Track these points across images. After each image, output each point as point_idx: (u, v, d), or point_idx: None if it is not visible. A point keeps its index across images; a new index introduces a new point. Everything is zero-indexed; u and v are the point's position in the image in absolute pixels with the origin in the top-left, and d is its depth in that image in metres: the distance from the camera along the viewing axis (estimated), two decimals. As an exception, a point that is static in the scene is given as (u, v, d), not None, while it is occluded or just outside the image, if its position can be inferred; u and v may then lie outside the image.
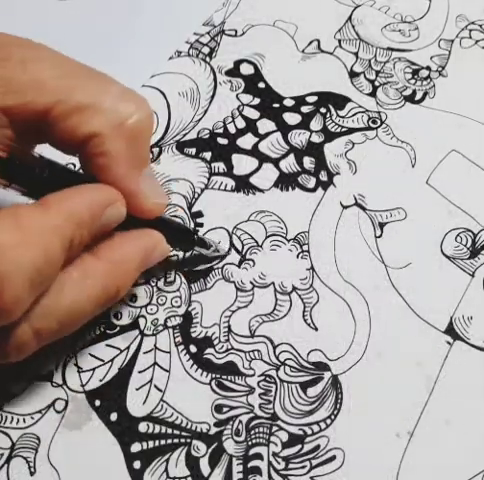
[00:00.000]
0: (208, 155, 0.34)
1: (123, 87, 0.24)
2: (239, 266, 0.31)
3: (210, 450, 0.27)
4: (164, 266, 0.30)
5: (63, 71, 0.23)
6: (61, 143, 0.24)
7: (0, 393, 0.28)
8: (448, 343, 0.30)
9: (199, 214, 0.32)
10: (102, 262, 0.24)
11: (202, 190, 0.33)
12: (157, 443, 0.27)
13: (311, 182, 0.33)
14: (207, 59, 0.37)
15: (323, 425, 0.28)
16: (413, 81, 0.37)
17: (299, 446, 0.28)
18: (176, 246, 0.30)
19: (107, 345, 0.29)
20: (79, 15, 0.39)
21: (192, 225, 0.32)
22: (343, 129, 0.35)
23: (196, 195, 0.33)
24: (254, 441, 0.28)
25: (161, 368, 0.29)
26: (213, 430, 0.28)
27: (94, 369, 0.28)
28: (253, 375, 0.29)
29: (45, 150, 0.25)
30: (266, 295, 0.30)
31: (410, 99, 0.36)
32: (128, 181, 0.24)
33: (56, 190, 0.23)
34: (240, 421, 0.28)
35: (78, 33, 0.38)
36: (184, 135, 0.35)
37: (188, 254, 0.31)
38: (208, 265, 0.31)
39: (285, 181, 0.33)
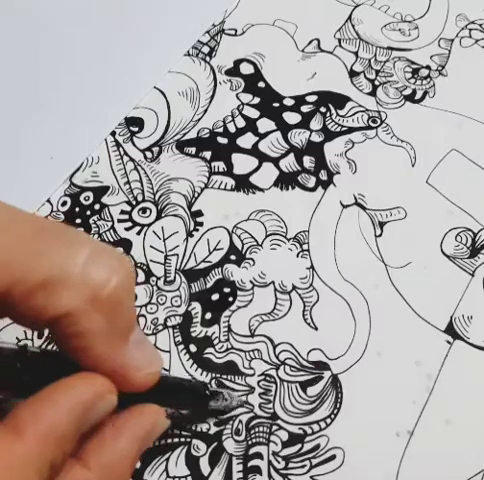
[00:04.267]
0: (208, 154, 0.34)
1: (94, 246, 0.19)
2: (239, 265, 0.31)
3: (210, 449, 0.27)
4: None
5: (19, 236, 0.18)
6: (26, 323, 0.19)
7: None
8: (448, 342, 0.30)
9: (199, 213, 0.32)
10: (93, 472, 0.20)
11: (202, 189, 0.33)
12: (157, 442, 0.27)
13: (311, 181, 0.33)
14: (207, 58, 0.37)
15: (323, 424, 0.28)
16: (413, 80, 0.37)
17: (299, 445, 0.28)
18: (184, 407, 0.26)
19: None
20: (85, 12, 0.39)
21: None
22: (343, 128, 0.35)
23: (196, 194, 0.33)
24: (254, 440, 0.28)
25: (161, 367, 0.29)
26: (213, 429, 0.28)
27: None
28: (253, 374, 0.29)
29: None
30: (266, 294, 0.30)
31: (410, 98, 0.36)
32: (112, 358, 0.19)
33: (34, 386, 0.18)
34: (240, 420, 0.28)
35: (83, 32, 0.38)
36: (184, 134, 0.35)
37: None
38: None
39: (285, 180, 0.33)
